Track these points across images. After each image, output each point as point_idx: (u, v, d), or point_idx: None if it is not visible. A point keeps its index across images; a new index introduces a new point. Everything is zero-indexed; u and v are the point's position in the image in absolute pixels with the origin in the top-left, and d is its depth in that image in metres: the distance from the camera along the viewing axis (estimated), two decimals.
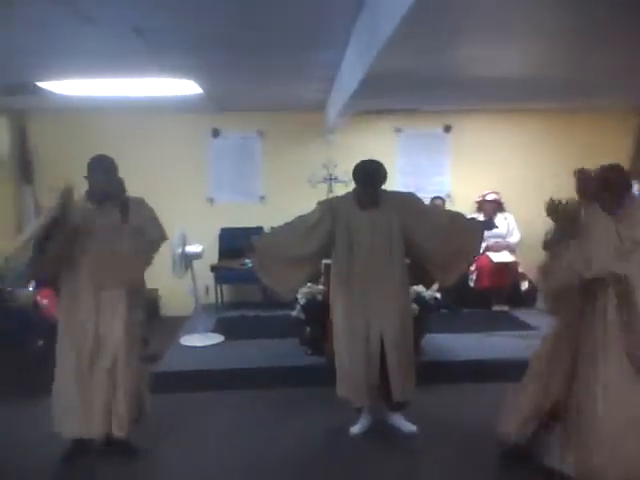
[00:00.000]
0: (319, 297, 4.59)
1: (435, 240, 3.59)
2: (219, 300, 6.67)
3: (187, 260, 5.40)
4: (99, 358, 3.33)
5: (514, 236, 6.52)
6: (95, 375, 3.32)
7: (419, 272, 4.01)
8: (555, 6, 2.64)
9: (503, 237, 6.47)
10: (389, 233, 3.56)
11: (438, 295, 4.80)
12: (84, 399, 3.30)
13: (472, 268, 6.28)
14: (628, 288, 2.82)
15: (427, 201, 5.96)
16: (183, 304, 6.15)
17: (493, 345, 5.09)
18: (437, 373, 4.43)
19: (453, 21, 2.73)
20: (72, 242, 3.27)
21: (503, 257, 6.37)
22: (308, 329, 4.80)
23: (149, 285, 3.86)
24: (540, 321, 5.82)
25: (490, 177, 6.83)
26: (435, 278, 4.02)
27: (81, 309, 3.33)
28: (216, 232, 6.84)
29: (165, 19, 3.26)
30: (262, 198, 7.05)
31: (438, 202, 6.62)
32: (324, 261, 4.18)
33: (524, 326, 5.69)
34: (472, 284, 6.34)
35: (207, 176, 6.99)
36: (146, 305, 3.77)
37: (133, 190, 3.52)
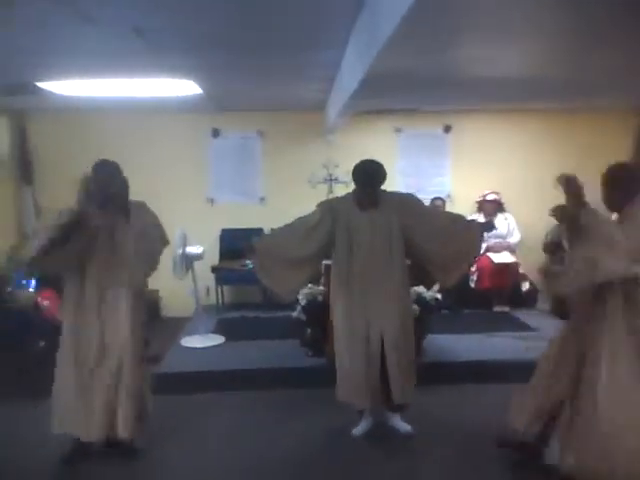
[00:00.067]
0: (320, 298, 4.59)
1: (435, 241, 3.59)
2: (220, 301, 6.66)
3: (188, 261, 5.39)
4: (104, 359, 3.33)
5: (514, 236, 6.51)
6: (98, 376, 3.31)
7: (420, 273, 4.01)
8: (555, 6, 2.64)
9: (503, 237, 6.46)
10: (389, 233, 3.55)
11: (439, 296, 4.80)
12: (85, 401, 3.30)
13: (473, 269, 6.28)
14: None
15: (427, 202, 5.96)
16: (184, 305, 6.15)
17: (494, 346, 5.09)
18: (438, 374, 4.43)
19: (453, 21, 2.73)
20: (93, 241, 3.28)
21: (504, 258, 6.36)
22: (309, 330, 4.80)
23: (150, 286, 3.86)
24: (541, 322, 5.84)
25: (490, 177, 6.83)
26: (436, 279, 4.02)
27: (87, 310, 3.33)
28: (217, 233, 6.84)
29: (165, 19, 3.26)
30: (262, 199, 7.05)
31: (438, 203, 6.61)
32: (324, 262, 4.17)
33: (525, 327, 5.69)
34: (473, 285, 6.33)
35: (207, 176, 6.99)
36: (147, 306, 3.77)
37: (133, 190, 3.52)
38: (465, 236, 3.68)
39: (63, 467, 3.41)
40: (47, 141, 6.65)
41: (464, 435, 3.71)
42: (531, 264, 6.56)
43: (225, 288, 6.78)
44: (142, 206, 3.52)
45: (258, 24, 3.39)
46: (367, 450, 3.59)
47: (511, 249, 6.48)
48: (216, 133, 6.98)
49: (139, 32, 3.34)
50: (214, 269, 6.46)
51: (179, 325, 5.86)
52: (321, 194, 5.23)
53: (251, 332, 5.67)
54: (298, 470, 3.40)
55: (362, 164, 3.64)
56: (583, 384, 2.99)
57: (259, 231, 6.13)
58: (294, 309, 4.80)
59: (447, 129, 7.08)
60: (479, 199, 6.65)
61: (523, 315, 6.08)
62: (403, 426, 3.74)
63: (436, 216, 4.13)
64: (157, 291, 6.45)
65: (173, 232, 4.93)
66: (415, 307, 4.41)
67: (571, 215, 3.04)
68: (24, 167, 6.61)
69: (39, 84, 4.87)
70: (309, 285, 4.60)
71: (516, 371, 4.51)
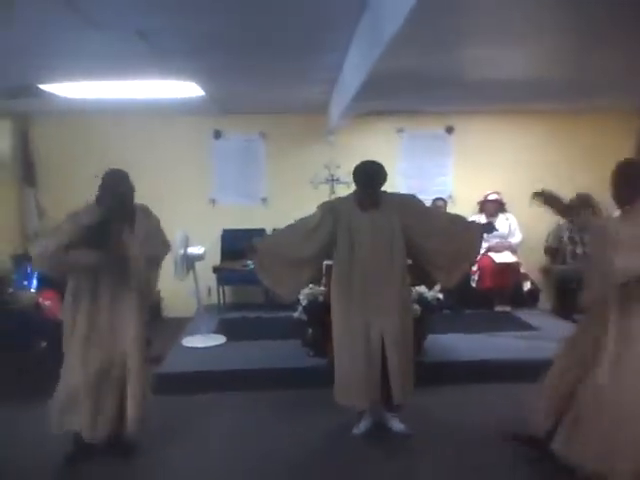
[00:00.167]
0: (321, 298, 4.59)
1: (435, 240, 3.60)
2: (221, 301, 6.68)
3: (189, 262, 5.41)
4: (113, 360, 3.35)
5: (516, 236, 6.52)
6: (107, 377, 3.33)
7: (421, 273, 4.02)
8: (556, 7, 2.65)
9: (505, 237, 6.47)
10: (390, 234, 3.57)
11: (440, 296, 4.81)
12: (93, 401, 3.31)
13: (474, 269, 6.29)
14: None
15: (429, 202, 5.98)
16: (185, 305, 6.17)
17: (495, 346, 5.09)
18: (439, 374, 4.43)
19: (455, 22, 2.74)
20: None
21: (505, 258, 6.37)
22: (310, 330, 4.80)
23: None
24: (542, 321, 5.85)
25: (492, 178, 6.83)
26: (437, 280, 4.02)
27: (98, 313, 3.35)
28: (218, 233, 6.85)
29: (167, 21, 3.27)
30: (264, 200, 7.06)
31: (440, 203, 6.62)
32: (326, 262, 4.18)
33: (526, 326, 5.70)
34: (474, 285, 6.34)
35: (209, 178, 7.00)
36: (149, 306, 3.79)
37: (136, 192, 3.52)
38: (465, 236, 3.69)
39: (63, 467, 3.42)
40: (50, 143, 6.67)
41: (465, 435, 3.72)
42: (532, 264, 6.61)
43: (226, 288, 6.79)
44: (145, 210, 3.54)
45: (260, 26, 3.40)
46: (368, 450, 3.60)
47: (512, 249, 6.48)
48: (218, 135, 7.00)
49: (142, 35, 3.35)
50: (215, 269, 6.47)
51: (180, 325, 5.88)
52: (323, 195, 5.24)
53: (252, 332, 5.68)
54: (299, 470, 3.41)
55: (363, 165, 3.66)
56: (591, 380, 3.01)
57: (261, 232, 6.14)
58: (295, 309, 4.80)
59: (449, 130, 7.09)
60: (481, 199, 6.66)
61: (524, 315, 6.09)
62: (399, 426, 3.74)
63: (436, 216, 4.16)
64: (159, 291, 6.46)
65: (175, 233, 4.95)
66: (416, 307, 4.42)
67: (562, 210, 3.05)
68: (27, 169, 6.63)
69: (42, 86, 4.89)
70: (310, 285, 4.61)
71: (518, 371, 4.54)
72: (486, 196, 6.63)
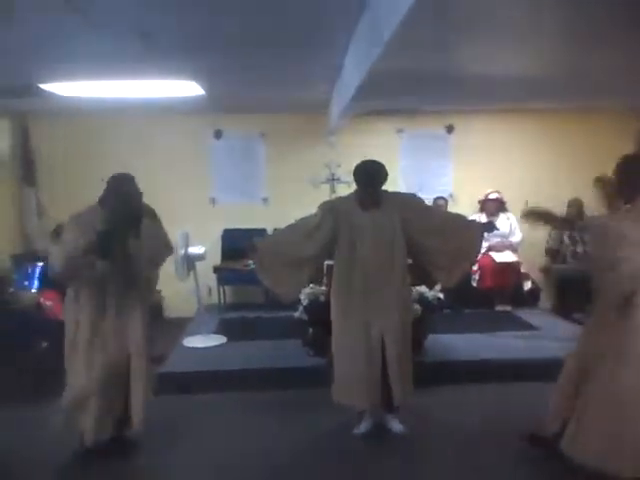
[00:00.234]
0: (322, 298, 4.59)
1: (436, 239, 3.60)
2: (222, 301, 6.68)
3: (190, 262, 5.40)
4: (119, 361, 3.35)
5: (516, 236, 6.52)
6: (114, 379, 3.33)
7: (421, 272, 4.02)
8: (554, 6, 2.65)
9: (505, 237, 6.47)
10: (391, 233, 3.57)
11: (441, 295, 4.81)
12: (101, 406, 3.31)
13: (475, 268, 6.29)
14: None
15: (429, 201, 5.97)
16: (186, 305, 6.17)
17: (496, 345, 5.08)
18: (440, 373, 4.43)
19: (453, 22, 2.74)
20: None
21: (506, 257, 6.37)
22: (311, 330, 4.80)
23: None
24: (543, 321, 5.85)
25: (492, 177, 6.83)
26: (438, 279, 4.02)
27: (106, 316, 3.35)
28: (219, 233, 6.85)
29: (167, 21, 3.27)
30: (265, 199, 7.06)
31: (440, 202, 6.62)
32: (326, 262, 4.18)
33: (527, 326, 5.70)
34: (475, 284, 6.34)
35: (210, 177, 7.01)
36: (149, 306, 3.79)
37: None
38: (466, 235, 3.69)
39: (64, 467, 3.42)
40: (50, 142, 6.67)
41: (465, 435, 3.71)
42: (533, 263, 6.61)
43: (227, 288, 6.79)
44: (150, 212, 3.54)
45: (261, 26, 3.40)
46: (368, 450, 3.60)
47: (513, 248, 6.48)
48: (219, 134, 7.00)
49: (142, 35, 3.34)
50: (216, 269, 6.47)
51: (181, 325, 5.88)
52: (323, 194, 5.24)
53: (253, 332, 5.68)
54: (300, 470, 3.40)
55: (363, 164, 3.66)
56: (595, 380, 3.01)
57: (261, 231, 6.13)
58: (296, 309, 4.80)
59: (449, 129, 7.09)
60: (481, 198, 6.66)
61: (525, 314, 6.09)
62: (399, 427, 3.74)
63: (437, 215, 4.17)
64: (159, 291, 6.46)
65: (175, 232, 4.94)
66: (417, 307, 4.42)
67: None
68: (26, 168, 6.63)
69: (42, 86, 4.89)
70: (311, 285, 4.61)
71: (518, 370, 4.54)
72: (487, 195, 6.63)
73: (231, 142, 7.03)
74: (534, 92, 5.24)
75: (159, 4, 3.00)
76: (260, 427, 3.92)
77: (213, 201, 7.03)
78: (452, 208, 6.46)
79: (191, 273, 5.51)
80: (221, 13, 3.14)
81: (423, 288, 4.68)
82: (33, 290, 5.04)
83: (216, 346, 5.30)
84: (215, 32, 3.50)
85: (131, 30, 3.32)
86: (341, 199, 3.85)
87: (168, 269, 4.96)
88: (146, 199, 3.59)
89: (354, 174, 3.66)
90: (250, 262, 4.96)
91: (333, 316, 3.70)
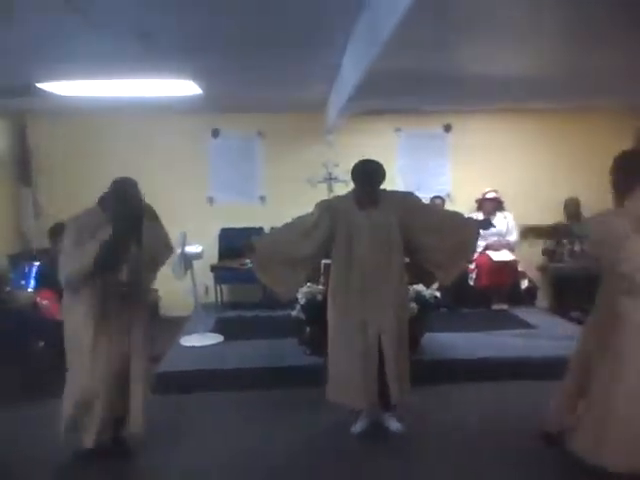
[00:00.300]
0: (319, 297, 4.59)
1: (433, 237, 3.61)
2: (219, 300, 6.67)
3: (187, 261, 5.40)
4: (120, 363, 3.35)
5: (513, 235, 6.53)
6: (116, 381, 3.32)
7: (419, 271, 4.02)
8: (553, 6, 2.65)
9: (503, 236, 6.48)
10: (388, 232, 3.57)
11: (438, 294, 4.81)
12: (107, 402, 3.30)
13: (472, 267, 6.30)
14: None
15: (427, 201, 5.97)
16: (183, 304, 6.16)
17: (493, 344, 5.09)
18: (437, 372, 4.43)
19: (451, 21, 2.74)
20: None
21: (503, 256, 6.38)
22: (308, 329, 4.80)
23: None
24: (540, 319, 5.86)
25: (490, 176, 6.83)
26: (435, 276, 4.02)
27: (108, 313, 3.33)
28: (216, 232, 6.84)
29: (165, 21, 3.27)
30: (262, 198, 7.06)
31: (438, 202, 6.63)
32: (324, 261, 4.18)
33: (524, 325, 5.70)
34: (472, 283, 6.35)
35: (207, 176, 7.00)
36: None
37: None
38: (463, 231, 3.70)
39: (61, 468, 3.42)
40: (47, 142, 6.66)
41: (462, 433, 3.72)
42: (530, 262, 6.62)
43: (224, 287, 6.79)
44: (151, 213, 3.52)
45: (259, 25, 3.40)
46: (365, 448, 3.60)
47: (510, 247, 6.49)
48: (216, 133, 7.00)
49: (141, 34, 3.34)
50: (213, 268, 6.46)
51: (178, 324, 5.87)
52: (321, 194, 5.24)
53: (250, 331, 5.67)
54: (297, 469, 3.40)
55: (361, 164, 3.66)
56: (598, 378, 3.03)
57: (259, 230, 6.14)
58: (293, 308, 4.80)
59: (447, 129, 7.10)
60: (479, 197, 6.67)
61: (522, 313, 6.09)
62: (396, 425, 3.74)
63: (434, 212, 4.21)
64: (156, 290, 6.45)
65: (172, 231, 4.93)
66: (414, 305, 4.42)
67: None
68: (23, 168, 6.62)
69: (39, 85, 4.87)
70: (308, 284, 4.61)
71: (515, 369, 4.55)
72: (484, 194, 6.63)
73: (229, 141, 7.03)
74: (532, 92, 5.25)
75: (158, 4, 3.00)
76: (257, 426, 3.91)
77: (211, 200, 7.03)
78: (450, 207, 6.46)
79: (188, 272, 5.51)
80: (219, 13, 3.14)
81: (420, 287, 4.68)
82: (29, 289, 5.02)
83: (213, 345, 5.29)
84: (213, 32, 3.50)
85: (130, 30, 3.31)
86: (338, 198, 3.85)
87: (165, 268, 4.95)
88: (144, 198, 3.59)
89: (352, 173, 3.66)
90: (247, 261, 4.98)
91: (330, 314, 3.70)
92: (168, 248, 3.71)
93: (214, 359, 4.92)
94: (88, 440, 3.32)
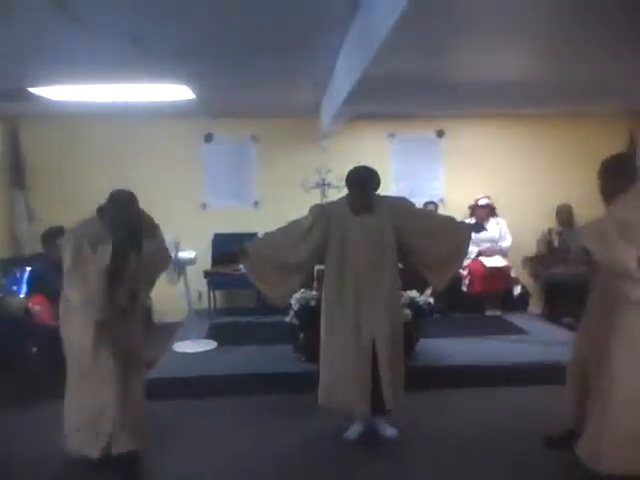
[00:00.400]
0: (312, 303, 4.58)
1: (427, 240, 3.62)
2: (212, 306, 6.65)
3: (180, 266, 5.38)
4: (130, 366, 3.34)
5: (506, 240, 6.55)
6: (117, 389, 3.28)
7: (412, 277, 4.02)
8: (548, 11, 2.67)
9: (495, 242, 6.50)
10: (382, 237, 3.57)
11: (431, 300, 4.82)
12: (119, 414, 3.27)
13: (465, 273, 6.32)
14: None
15: (420, 206, 5.98)
16: (176, 310, 6.14)
17: (486, 349, 5.10)
18: (431, 377, 4.44)
19: (446, 26, 2.75)
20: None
21: (495, 262, 6.40)
22: (302, 335, 4.79)
23: None
24: (532, 325, 5.88)
25: (483, 181, 6.87)
26: (428, 281, 4.02)
27: (110, 321, 3.30)
28: (209, 237, 6.83)
29: (159, 26, 3.27)
30: (256, 203, 7.06)
31: (431, 207, 6.64)
32: (317, 267, 4.17)
33: (517, 330, 5.71)
34: (465, 289, 6.36)
35: (200, 181, 6.99)
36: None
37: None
38: (456, 234, 3.72)
39: (56, 471, 3.40)
40: (40, 146, 6.63)
41: (457, 438, 3.72)
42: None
43: (217, 293, 6.77)
44: (150, 223, 3.50)
45: (251, 29, 3.41)
46: (360, 454, 3.59)
47: (503, 253, 6.52)
48: (209, 138, 6.99)
49: (134, 39, 3.34)
50: (207, 274, 6.44)
51: (171, 330, 5.85)
52: (314, 199, 5.23)
53: (243, 337, 5.66)
54: (290, 474, 3.39)
55: (356, 170, 3.65)
56: (597, 380, 3.05)
57: (253, 236, 6.12)
58: (287, 314, 4.79)
59: (440, 134, 7.12)
60: (472, 204, 6.69)
61: (515, 318, 6.11)
62: (390, 431, 3.74)
63: (428, 216, 4.28)
64: (149, 297, 6.43)
65: (166, 237, 4.92)
66: (407, 311, 4.43)
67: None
68: (16, 172, 6.59)
69: (32, 90, 4.86)
70: (302, 290, 4.60)
71: (508, 374, 4.56)
72: (477, 201, 6.65)
73: (222, 146, 7.02)
74: (525, 97, 5.28)
75: (151, 9, 3.00)
76: (251, 431, 3.90)
77: (204, 205, 7.01)
78: (442, 212, 6.45)
79: (181, 278, 5.49)
80: (212, 18, 3.14)
81: (414, 293, 4.68)
82: (21, 295, 4.99)
83: (206, 351, 5.27)
84: (206, 37, 3.51)
85: (123, 35, 3.31)
86: (332, 203, 3.85)
87: None
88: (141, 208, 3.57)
89: (346, 180, 3.66)
90: (241, 267, 4.97)
91: (323, 319, 3.69)
92: (166, 261, 3.70)
93: (207, 365, 4.90)
94: (94, 453, 3.28)
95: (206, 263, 6.54)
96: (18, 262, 5.64)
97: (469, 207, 6.69)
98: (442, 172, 7.13)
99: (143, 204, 3.59)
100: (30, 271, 5.06)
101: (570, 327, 5.24)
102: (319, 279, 4.31)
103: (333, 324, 3.63)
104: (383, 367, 3.53)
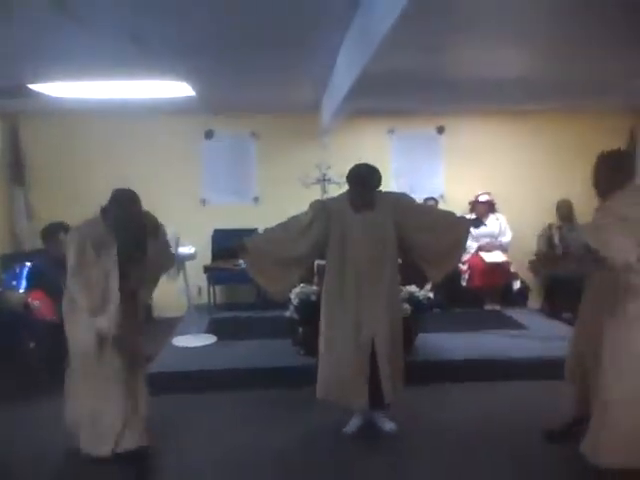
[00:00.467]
0: (312, 297, 4.59)
1: (427, 234, 3.63)
2: (212, 301, 6.66)
3: (180, 262, 5.39)
4: (133, 365, 3.36)
5: (506, 236, 6.56)
6: (120, 387, 3.30)
7: (411, 272, 4.03)
8: (547, 9, 2.67)
9: (495, 237, 6.51)
10: (382, 233, 3.58)
11: (431, 295, 4.83)
12: (115, 413, 3.29)
13: (464, 268, 6.33)
14: None
15: (420, 202, 5.99)
16: (176, 305, 6.15)
17: (485, 344, 5.11)
18: (430, 372, 4.45)
19: (446, 23, 2.76)
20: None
21: (495, 257, 6.41)
22: (301, 329, 4.80)
23: None
24: (531, 320, 5.89)
25: (483, 177, 6.87)
26: (427, 274, 4.03)
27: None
28: (209, 233, 6.83)
29: (158, 23, 3.27)
30: (256, 199, 7.06)
31: (431, 203, 6.65)
32: (317, 262, 4.18)
33: (516, 325, 5.73)
34: (464, 284, 6.38)
35: (200, 177, 6.99)
36: None
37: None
38: (456, 229, 3.73)
39: (57, 467, 3.41)
40: (40, 143, 6.63)
41: (456, 433, 3.73)
42: (522, 263, 6.65)
43: (217, 288, 6.78)
44: (153, 222, 3.49)
45: (251, 26, 3.41)
46: (359, 448, 3.60)
47: (503, 248, 6.53)
48: (209, 134, 6.99)
49: (134, 36, 3.34)
50: (206, 269, 6.45)
51: (171, 325, 5.86)
52: (314, 195, 5.23)
53: (243, 331, 5.67)
54: (290, 469, 3.41)
55: (357, 167, 3.65)
56: (597, 374, 3.05)
57: (253, 232, 6.11)
58: (287, 308, 4.80)
59: (440, 130, 7.12)
60: (472, 200, 6.69)
61: (514, 313, 6.13)
62: (389, 425, 3.76)
63: (428, 211, 4.31)
64: None
65: (166, 233, 4.93)
66: (407, 306, 4.44)
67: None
68: (16, 169, 6.59)
69: (32, 86, 4.86)
70: (302, 284, 4.61)
71: (508, 369, 4.57)
72: (477, 197, 6.66)
73: (222, 142, 7.02)
74: (526, 93, 5.28)
75: (151, 6, 3.00)
76: (250, 426, 3.91)
77: (204, 201, 7.02)
78: (442, 208, 6.48)
79: (181, 273, 5.50)
80: (212, 15, 3.14)
81: (413, 288, 4.69)
82: (21, 290, 5.00)
83: (206, 345, 5.28)
84: (206, 34, 3.51)
85: (122, 32, 3.31)
86: (333, 199, 3.85)
87: None
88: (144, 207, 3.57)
89: (347, 177, 3.66)
90: (240, 262, 4.97)
91: (323, 313, 3.70)
92: (170, 261, 3.72)
93: (207, 359, 4.92)
94: (98, 451, 3.30)
95: (206, 258, 6.54)
96: (18, 257, 5.65)
97: (469, 203, 6.70)
98: (442, 168, 7.13)
99: (144, 200, 3.59)
100: (30, 267, 5.06)
101: (569, 322, 5.24)
102: (319, 274, 4.32)
103: (334, 318, 3.63)
104: (382, 362, 3.54)
